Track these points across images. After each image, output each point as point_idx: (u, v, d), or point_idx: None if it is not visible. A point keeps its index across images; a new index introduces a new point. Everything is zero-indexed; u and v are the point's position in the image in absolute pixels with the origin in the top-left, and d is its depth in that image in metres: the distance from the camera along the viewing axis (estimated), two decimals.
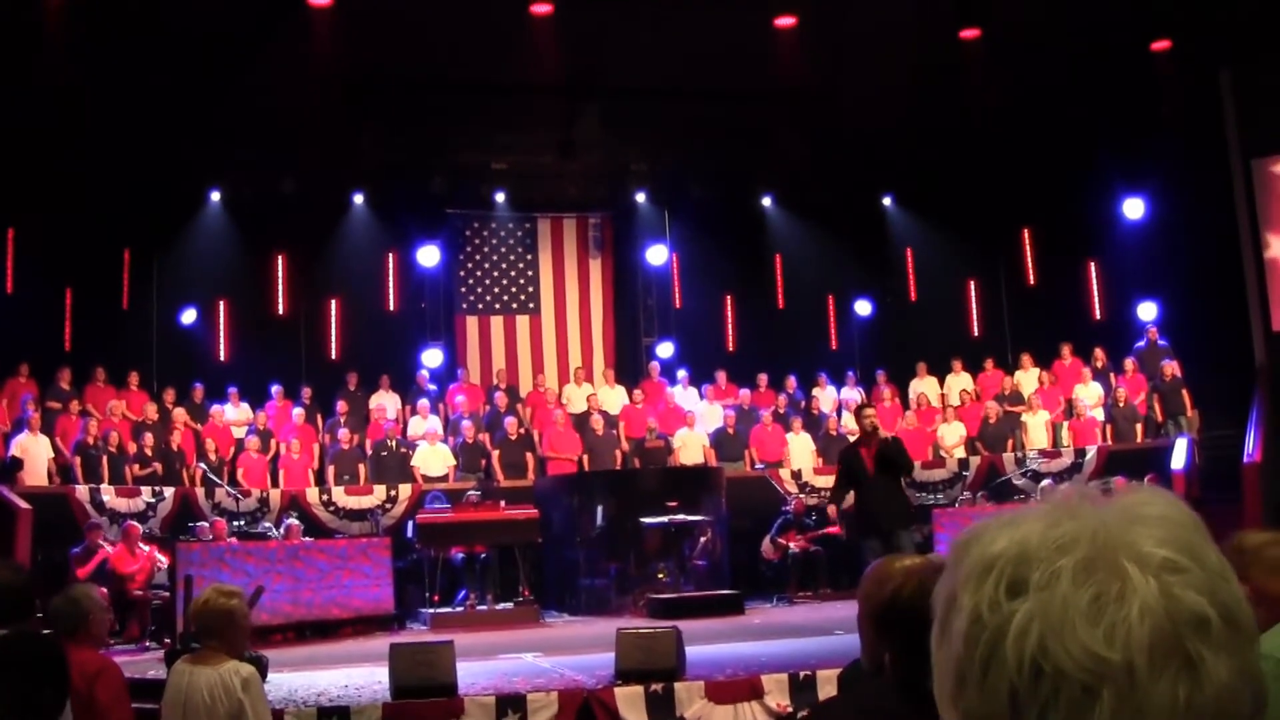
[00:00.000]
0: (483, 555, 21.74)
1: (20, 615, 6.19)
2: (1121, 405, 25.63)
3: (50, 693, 4.99)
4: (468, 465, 25.15)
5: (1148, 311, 27.08)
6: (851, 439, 25.63)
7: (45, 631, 6.36)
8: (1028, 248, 29.69)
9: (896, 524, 16.17)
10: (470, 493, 22.52)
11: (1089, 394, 26.27)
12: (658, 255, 29.33)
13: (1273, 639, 3.94)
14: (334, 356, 28.24)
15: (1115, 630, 1.28)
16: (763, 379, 27.95)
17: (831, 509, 23.03)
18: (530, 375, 28.95)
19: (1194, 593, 1.32)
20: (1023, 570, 1.34)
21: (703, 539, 22.46)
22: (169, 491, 22.89)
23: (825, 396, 27.74)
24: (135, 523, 21.21)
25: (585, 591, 22.51)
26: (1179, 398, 25.44)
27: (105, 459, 22.98)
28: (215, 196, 27.61)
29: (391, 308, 29.11)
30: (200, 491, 23.21)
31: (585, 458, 25.67)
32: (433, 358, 27.84)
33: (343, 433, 25.06)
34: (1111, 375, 26.49)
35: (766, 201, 30.55)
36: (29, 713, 4.88)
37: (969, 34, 24.21)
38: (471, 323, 29.63)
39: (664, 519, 21.76)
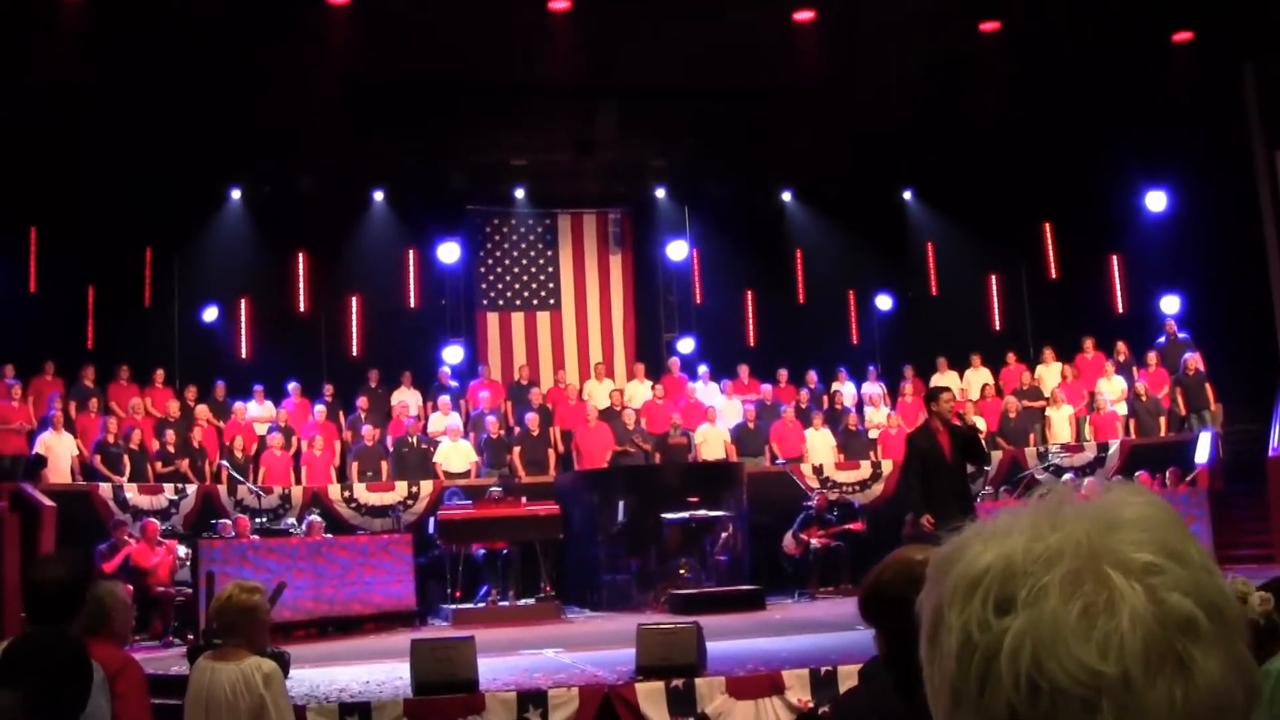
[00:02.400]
0: (504, 551, 21.74)
1: (61, 615, 6.17)
2: (1144, 399, 25.58)
3: (73, 690, 5.00)
4: (493, 461, 25.15)
5: (1170, 305, 27.02)
6: (873, 434, 25.77)
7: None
8: (1049, 241, 29.63)
9: (969, 514, 15.39)
10: (492, 489, 22.52)
11: (1111, 388, 26.21)
12: (678, 251, 29.31)
13: None
14: (355, 354, 28.25)
15: (1108, 642, 1.28)
16: (783, 374, 27.89)
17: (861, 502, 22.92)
18: (551, 371, 28.94)
19: (1178, 594, 1.31)
20: (1010, 587, 1.33)
21: (724, 534, 22.46)
22: (191, 489, 22.96)
23: (845, 391, 27.69)
24: (154, 520, 21.28)
25: (606, 587, 22.50)
26: (1202, 391, 25.37)
27: (127, 457, 23.05)
28: (236, 195, 27.66)
29: (412, 304, 29.13)
30: (223, 489, 23.25)
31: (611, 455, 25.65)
32: (453, 354, 27.85)
33: (365, 429, 25.09)
34: (1134, 369, 26.42)
35: (786, 196, 30.52)
36: (51, 709, 4.89)
37: (989, 26, 24.19)
38: (492, 319, 29.64)
39: (685, 514, 21.75)
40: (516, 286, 29.76)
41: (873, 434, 26.48)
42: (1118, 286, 28.94)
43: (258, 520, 21.97)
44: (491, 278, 29.70)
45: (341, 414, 26.24)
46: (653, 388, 27.40)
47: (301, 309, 28.27)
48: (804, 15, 23.66)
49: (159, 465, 23.47)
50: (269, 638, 7.80)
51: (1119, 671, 1.27)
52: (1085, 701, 1.27)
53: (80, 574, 6.37)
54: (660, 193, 29.76)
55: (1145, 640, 1.28)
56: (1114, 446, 24.93)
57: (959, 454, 15.27)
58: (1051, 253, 29.63)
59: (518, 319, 29.73)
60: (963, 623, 1.34)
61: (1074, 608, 1.29)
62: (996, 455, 25.42)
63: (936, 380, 27.15)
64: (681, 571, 21.69)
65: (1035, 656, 1.28)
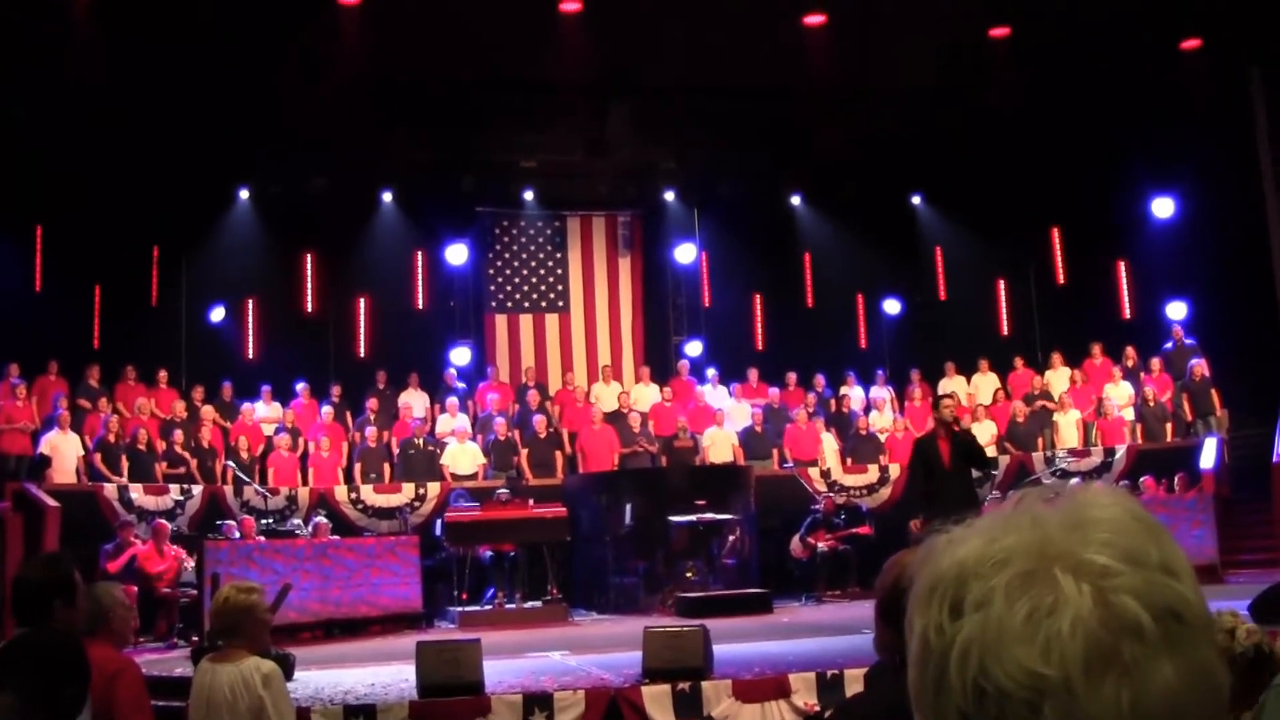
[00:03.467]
0: (511, 553, 21.74)
1: (32, 616, 6.14)
2: (1151, 405, 25.57)
3: (70, 691, 4.97)
4: (500, 463, 25.17)
5: (1177, 311, 27.01)
6: (881, 437, 25.79)
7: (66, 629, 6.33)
8: (1057, 247, 29.62)
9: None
10: (500, 491, 22.52)
11: (1119, 393, 26.22)
12: (687, 254, 29.30)
13: None
14: (363, 355, 28.30)
15: (1050, 645, 1.27)
16: (791, 378, 27.89)
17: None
18: (559, 374, 28.93)
19: (1127, 596, 1.30)
20: (961, 591, 1.33)
21: (731, 538, 22.46)
22: (197, 490, 22.97)
23: (854, 395, 27.70)
24: (164, 520, 21.28)
25: (613, 590, 22.51)
26: (1208, 397, 25.38)
27: (126, 456, 23.05)
28: (244, 194, 27.68)
29: (420, 306, 29.14)
30: (229, 489, 23.27)
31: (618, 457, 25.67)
32: (461, 356, 27.85)
33: (371, 431, 25.11)
34: (1141, 374, 26.42)
35: (795, 200, 30.52)
36: (48, 711, 4.86)
37: (998, 32, 24.16)
38: (500, 321, 29.64)
39: (692, 518, 21.77)
40: (525, 288, 29.77)
41: (881, 438, 26.47)
42: (1125, 292, 28.91)
43: (264, 521, 21.96)
44: (500, 279, 29.70)
45: (349, 415, 26.25)
46: (661, 390, 27.39)
47: (309, 309, 28.29)
48: (815, 19, 23.63)
49: (165, 466, 23.47)
50: (270, 637, 7.78)
51: (1060, 675, 1.26)
52: (1029, 704, 1.26)
53: (54, 576, 6.33)
54: (670, 195, 29.79)
55: (1086, 643, 1.27)
56: (1120, 451, 24.94)
57: (959, 459, 15.60)
58: (1060, 258, 29.62)
59: (526, 321, 29.74)
60: (922, 627, 1.35)
61: (1020, 611, 1.29)
62: (1004, 460, 25.45)
63: (944, 385, 27.22)
64: (688, 574, 21.68)
65: (982, 661, 1.28)
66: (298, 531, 22.01)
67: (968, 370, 28.15)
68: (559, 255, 30.02)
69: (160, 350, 26.32)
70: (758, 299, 30.38)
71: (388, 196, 28.64)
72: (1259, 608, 9.56)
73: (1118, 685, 1.26)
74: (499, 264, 29.74)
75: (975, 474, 17.18)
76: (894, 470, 25.11)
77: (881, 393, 27.92)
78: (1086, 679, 1.26)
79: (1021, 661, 1.26)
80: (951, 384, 27.62)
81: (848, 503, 24.44)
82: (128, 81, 22.40)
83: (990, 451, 25.43)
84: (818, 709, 12.00)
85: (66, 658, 5.04)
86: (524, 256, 29.88)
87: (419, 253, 28.99)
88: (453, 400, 26.30)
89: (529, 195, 29.35)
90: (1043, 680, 1.26)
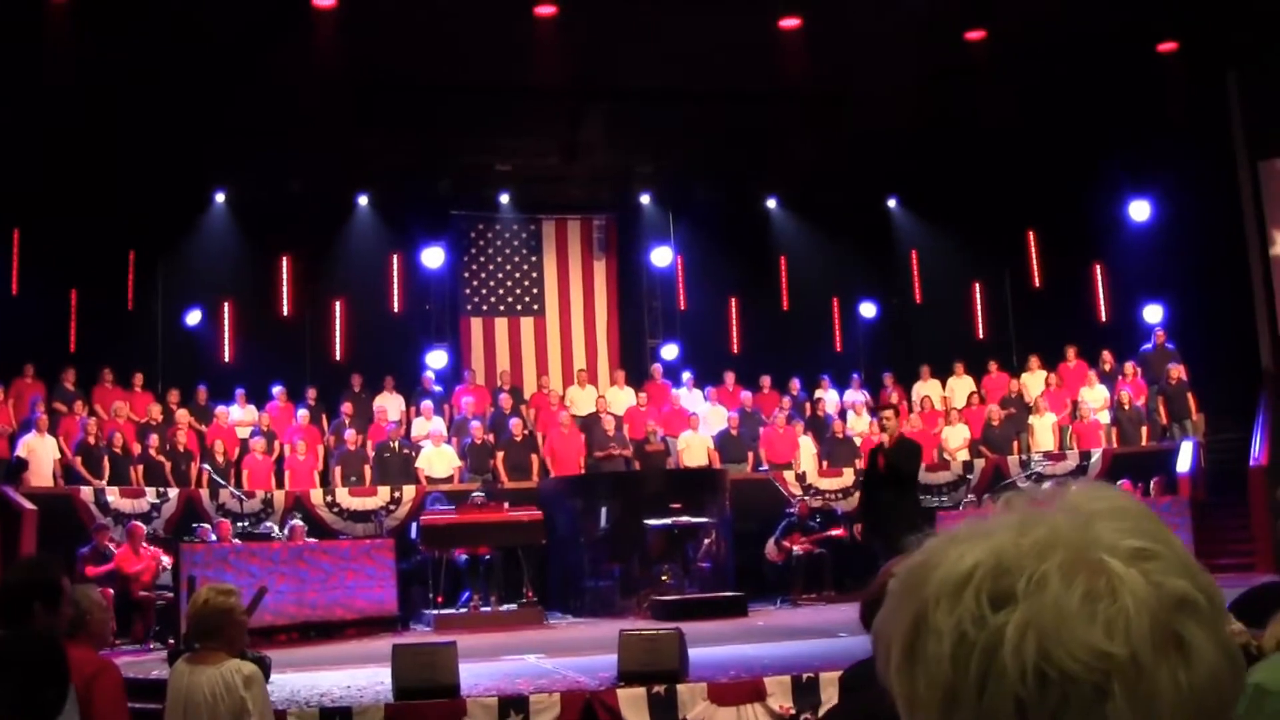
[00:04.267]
0: (486, 557, 21.74)
1: (17, 617, 6.15)
2: (1126, 408, 25.64)
3: (51, 692, 4.98)
4: (476, 466, 25.16)
5: (1154, 314, 27.06)
6: (857, 440, 25.90)
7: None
8: (1033, 250, 29.68)
9: (900, 529, 15.69)
10: (475, 494, 22.52)
11: (1094, 396, 26.28)
12: (662, 257, 29.31)
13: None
14: (338, 358, 28.26)
15: (1114, 624, 1.27)
16: (766, 381, 27.95)
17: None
18: (534, 377, 28.96)
19: (1174, 577, 1.31)
20: (1005, 581, 1.31)
21: (706, 541, 22.47)
22: (173, 492, 22.97)
23: (828, 399, 27.75)
24: (140, 523, 21.27)
25: (589, 593, 22.51)
26: (1184, 401, 25.46)
27: (107, 459, 23.04)
28: (220, 198, 27.65)
29: (396, 309, 29.14)
30: (205, 492, 23.26)
31: (585, 461, 25.68)
32: (437, 359, 27.83)
33: (348, 434, 25.11)
34: (1118, 378, 26.47)
35: (771, 203, 30.56)
36: (30, 712, 4.87)
37: (975, 35, 24.17)
38: (476, 324, 29.64)
39: (668, 521, 21.75)
40: (500, 292, 29.77)
41: (856, 441, 26.51)
42: (1101, 295, 28.98)
43: (239, 524, 21.94)
44: (476, 283, 29.70)
45: (325, 418, 26.24)
46: (636, 394, 27.40)
47: (285, 312, 28.26)
48: (790, 22, 23.64)
49: (141, 469, 23.44)
50: (246, 639, 7.79)
51: (1128, 653, 1.26)
52: (1096, 687, 1.26)
53: (37, 578, 6.34)
54: (645, 199, 29.79)
55: (1151, 621, 1.28)
56: (1096, 455, 25.00)
57: (889, 471, 15.92)
58: (1035, 261, 29.68)
59: (501, 324, 29.74)
60: (955, 622, 1.32)
61: (1075, 593, 1.29)
62: (979, 464, 25.51)
63: (920, 388, 27.30)
64: (664, 578, 21.68)
65: (1041, 646, 1.27)
66: (273, 534, 21.99)
67: (943, 373, 28.21)
68: (534, 259, 30.03)
69: (137, 353, 26.32)
70: (733, 302, 30.41)
71: (364, 200, 28.64)
72: (1238, 610, 9.58)
73: (1175, 663, 1.27)
74: (475, 267, 29.74)
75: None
76: None
77: (857, 396, 27.97)
78: (1153, 656, 1.27)
79: (1088, 641, 1.26)
80: (927, 387, 27.69)
81: (823, 506, 24.52)
82: (103, 84, 22.39)
83: (963, 455, 25.57)
84: (793, 712, 12.02)
85: (47, 659, 5.05)
86: (499, 260, 29.88)
87: (395, 256, 28.99)
88: (428, 403, 26.31)
89: (505, 199, 29.35)
90: (1110, 660, 1.26)
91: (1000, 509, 1.42)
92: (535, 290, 29.94)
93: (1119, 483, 22.30)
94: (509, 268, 29.85)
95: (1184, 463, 24.08)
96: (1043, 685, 1.27)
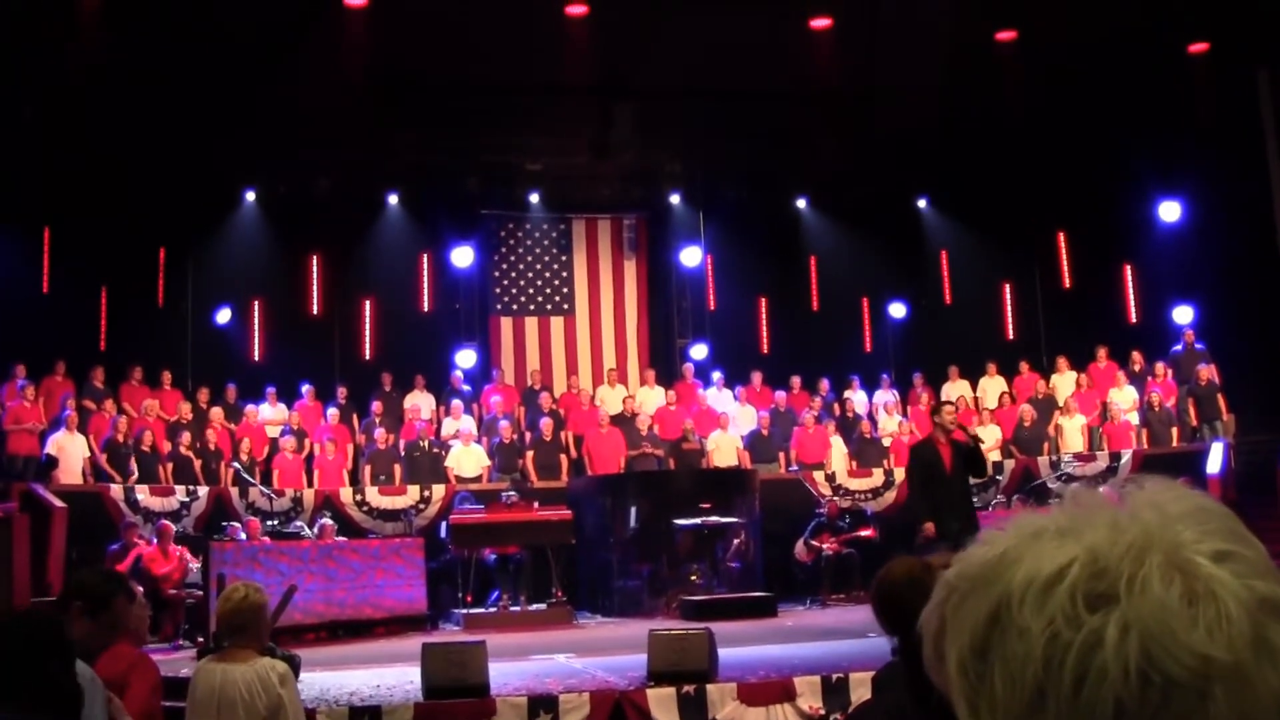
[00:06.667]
0: (516, 556, 21.74)
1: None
2: (1156, 409, 25.55)
3: (57, 664, 4.98)
4: (505, 465, 25.17)
5: (1184, 315, 26.96)
6: (886, 441, 25.77)
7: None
8: (1063, 250, 29.59)
9: (968, 528, 14.84)
10: (504, 493, 22.51)
11: (1124, 398, 26.19)
12: (692, 257, 29.29)
13: None
14: (367, 357, 28.29)
15: (1216, 628, 1.25)
16: (796, 381, 27.90)
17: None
18: (564, 376, 28.94)
19: (1260, 579, 1.29)
20: (1102, 581, 1.29)
21: (736, 541, 22.44)
22: (203, 491, 23.02)
23: (856, 399, 27.71)
24: (169, 522, 21.30)
25: (618, 593, 22.49)
26: (1214, 402, 25.36)
27: (135, 457, 23.08)
28: (250, 196, 27.72)
29: (426, 308, 29.14)
30: (234, 491, 23.29)
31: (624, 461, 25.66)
32: (466, 358, 27.83)
33: (378, 433, 25.10)
34: (1147, 379, 26.39)
35: (801, 203, 30.52)
36: (40, 685, 4.88)
37: (1005, 36, 24.16)
38: (505, 324, 29.65)
39: (697, 521, 21.74)
40: (530, 291, 29.78)
41: (885, 441, 26.48)
42: (1131, 296, 28.90)
43: (269, 523, 21.97)
44: (505, 282, 29.71)
45: (355, 417, 26.26)
46: (665, 394, 27.38)
47: (315, 311, 28.32)
48: (821, 22, 23.64)
49: (170, 467, 23.49)
50: (272, 638, 7.84)
51: (1232, 658, 1.25)
52: (1199, 691, 1.24)
53: (74, 582, 6.42)
54: (675, 198, 29.75)
55: (1252, 625, 1.26)
56: (1126, 456, 24.93)
57: (960, 465, 15.45)
58: (1065, 262, 29.60)
59: (531, 324, 29.75)
60: (1046, 621, 1.30)
61: (1174, 594, 1.27)
62: (1009, 464, 25.44)
63: (947, 389, 27.20)
64: (693, 577, 21.67)
65: (1144, 648, 1.25)
66: (303, 533, 22.01)
67: (973, 374, 28.14)
68: (564, 258, 30.02)
69: (166, 351, 26.39)
70: (763, 302, 30.38)
71: (393, 198, 28.67)
72: None
73: (1272, 666, 1.26)
74: (504, 266, 29.75)
75: (972, 481, 17.05)
76: (899, 474, 25.09)
77: (887, 396, 27.93)
78: (1255, 660, 1.25)
79: (1193, 646, 1.24)
80: (956, 388, 27.62)
81: (852, 506, 24.48)
82: (134, 82, 22.46)
83: (994, 456, 25.42)
84: (822, 712, 12.00)
85: (46, 634, 5.06)
86: (529, 259, 29.89)
87: (424, 255, 29.01)
88: (458, 403, 26.32)
89: (534, 198, 29.35)
90: (1213, 664, 1.24)
91: (1070, 505, 1.39)
92: (565, 290, 29.94)
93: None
94: (539, 267, 29.85)
95: (1214, 464, 23.97)
96: (1145, 686, 1.25)
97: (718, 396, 27.45)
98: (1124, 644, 1.26)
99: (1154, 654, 1.25)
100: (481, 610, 21.13)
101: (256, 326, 27.83)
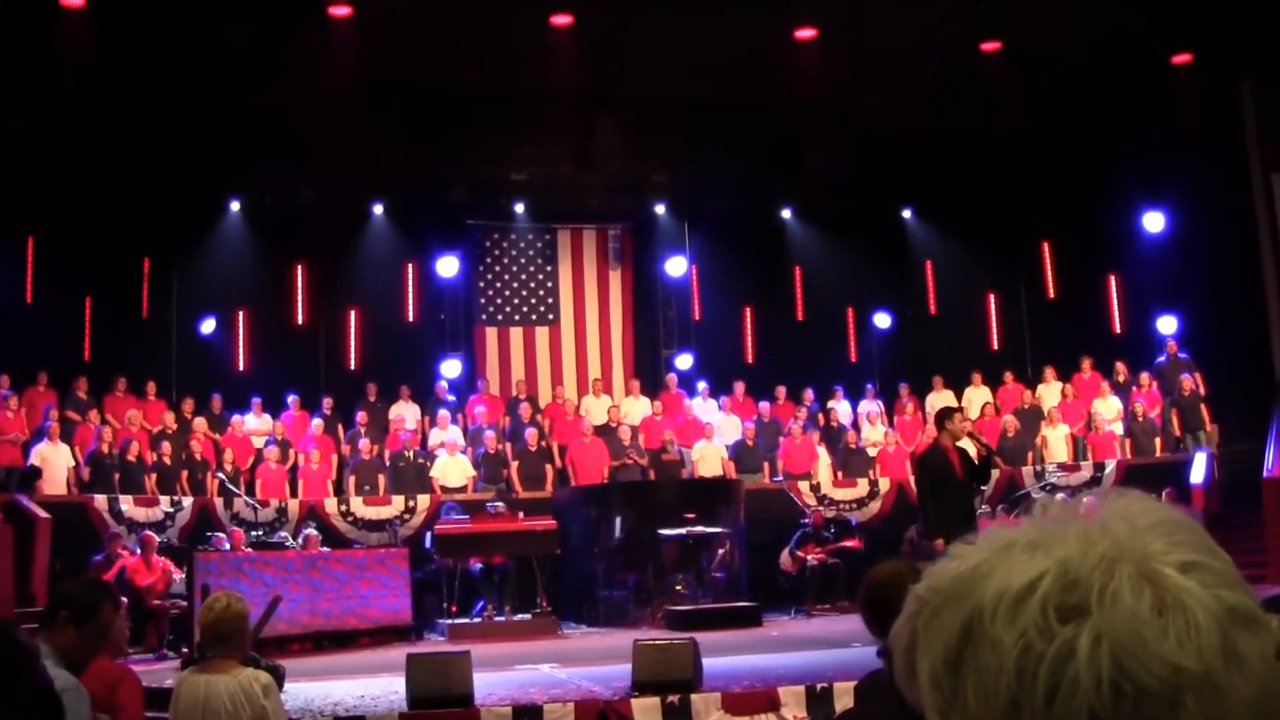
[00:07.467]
0: (501, 566, 21.74)
1: (42, 622, 6.21)
2: (1140, 419, 25.60)
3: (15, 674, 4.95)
4: (490, 476, 25.18)
5: (1168, 325, 27.00)
6: (871, 451, 25.79)
7: None
8: (1048, 260, 29.62)
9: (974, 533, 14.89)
10: (489, 503, 22.50)
11: (1108, 408, 26.25)
12: (677, 267, 29.30)
13: None
14: (353, 367, 28.26)
15: (1186, 638, 1.26)
16: (781, 391, 27.90)
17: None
18: (549, 386, 28.95)
19: (1227, 589, 1.30)
20: (1073, 593, 1.30)
21: (721, 551, 22.47)
22: (187, 501, 23.01)
23: (840, 409, 27.72)
24: (152, 533, 21.27)
25: (603, 603, 22.49)
26: (1198, 412, 25.41)
27: (118, 469, 23.05)
28: (235, 206, 27.64)
29: (411, 318, 29.12)
30: (219, 501, 23.26)
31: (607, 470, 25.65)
32: (451, 368, 27.84)
33: (363, 443, 25.08)
34: (1132, 389, 26.44)
35: (786, 213, 30.51)
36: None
37: (990, 46, 24.17)
38: (490, 334, 29.65)
39: (682, 531, 21.78)
40: (515, 301, 29.78)
41: (871, 452, 26.49)
42: (1115, 306, 28.93)
43: (253, 533, 21.92)
44: (490, 292, 29.71)
45: (340, 427, 26.23)
46: (651, 404, 27.39)
47: (300, 321, 28.27)
48: (806, 32, 23.67)
49: (154, 478, 23.46)
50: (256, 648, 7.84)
51: (1202, 668, 1.25)
52: (1170, 701, 1.25)
53: (61, 591, 6.43)
54: (660, 208, 29.75)
55: (1221, 635, 1.27)
56: (1110, 466, 24.99)
57: (968, 474, 15.37)
58: (1050, 272, 29.62)
59: (516, 334, 29.75)
60: (1018, 634, 1.30)
61: (1145, 605, 1.28)
62: (994, 474, 25.47)
63: (934, 399, 27.21)
64: (678, 588, 21.72)
65: (1115, 658, 1.26)
66: (287, 544, 21.97)
67: (958, 384, 28.15)
68: (549, 268, 30.03)
69: (151, 362, 26.35)
70: (748, 312, 30.37)
71: (378, 209, 28.64)
72: None
73: (1241, 676, 1.27)
74: (489, 276, 29.75)
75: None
76: (884, 484, 25.22)
77: (872, 406, 27.93)
78: (1225, 669, 1.26)
79: (1164, 655, 1.25)
80: (940, 398, 27.61)
81: (837, 516, 24.49)
82: (118, 91, 22.42)
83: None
84: None
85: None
86: (514, 269, 29.89)
87: (409, 265, 28.99)
88: (443, 413, 26.32)
89: (519, 208, 29.31)
90: (1184, 674, 1.25)
91: (1039, 518, 1.40)
92: (550, 300, 29.94)
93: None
94: (524, 277, 29.86)
95: (1198, 474, 24.04)
96: (1117, 697, 1.26)
97: (703, 406, 27.47)
98: (1096, 654, 1.26)
99: (1126, 664, 1.25)
100: (466, 620, 21.11)
101: (241, 337, 27.77)
